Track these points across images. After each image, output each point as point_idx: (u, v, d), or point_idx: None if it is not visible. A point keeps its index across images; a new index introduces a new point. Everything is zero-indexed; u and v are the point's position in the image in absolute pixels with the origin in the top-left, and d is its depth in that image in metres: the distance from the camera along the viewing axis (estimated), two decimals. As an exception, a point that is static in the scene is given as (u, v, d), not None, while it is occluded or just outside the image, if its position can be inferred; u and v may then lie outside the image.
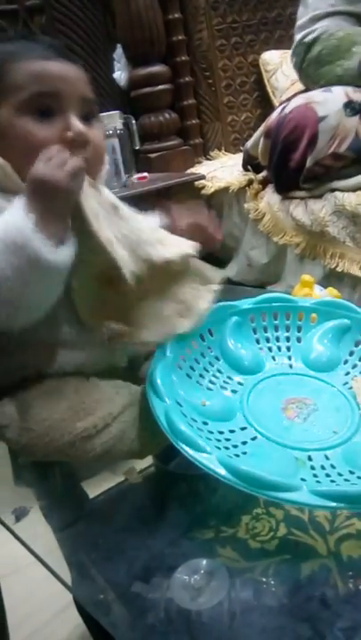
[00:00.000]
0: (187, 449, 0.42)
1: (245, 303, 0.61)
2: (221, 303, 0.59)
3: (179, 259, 0.53)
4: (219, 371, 0.56)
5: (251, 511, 0.48)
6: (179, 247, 0.54)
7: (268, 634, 0.37)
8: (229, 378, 0.56)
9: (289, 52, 1.84)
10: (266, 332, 0.60)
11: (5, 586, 0.71)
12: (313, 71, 1.35)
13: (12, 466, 0.57)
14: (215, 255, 1.74)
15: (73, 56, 0.54)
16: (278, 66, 1.84)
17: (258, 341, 0.60)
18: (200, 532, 0.47)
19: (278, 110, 1.35)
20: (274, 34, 1.92)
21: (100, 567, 0.45)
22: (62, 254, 0.45)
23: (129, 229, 0.52)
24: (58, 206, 0.46)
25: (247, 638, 0.37)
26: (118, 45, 1.68)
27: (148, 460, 0.55)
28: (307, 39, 1.34)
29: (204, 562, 0.42)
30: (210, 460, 0.41)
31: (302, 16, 1.38)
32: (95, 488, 0.56)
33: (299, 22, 1.39)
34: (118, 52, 1.68)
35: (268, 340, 0.60)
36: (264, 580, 0.41)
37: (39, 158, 0.46)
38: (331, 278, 1.25)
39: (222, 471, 0.40)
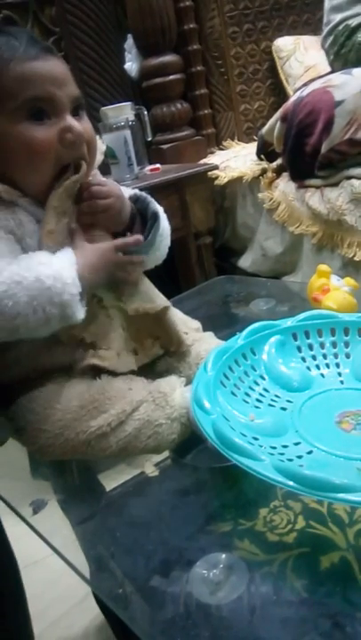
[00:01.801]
0: (240, 458, 0.42)
1: (287, 321, 0.61)
2: (262, 322, 0.59)
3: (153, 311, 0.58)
4: (265, 389, 0.56)
5: (268, 504, 0.47)
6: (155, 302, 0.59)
7: (289, 628, 0.37)
8: (277, 396, 0.55)
9: (303, 38, 1.83)
10: (312, 349, 0.59)
11: (25, 577, 0.72)
12: (355, 57, 1.30)
13: (30, 459, 0.58)
14: (229, 246, 1.73)
15: (49, 44, 0.54)
16: (292, 52, 1.81)
17: (304, 359, 0.59)
18: (218, 526, 0.47)
19: (296, 94, 1.33)
20: (287, 19, 1.89)
21: (119, 560, 0.45)
22: (83, 311, 0.50)
23: None
24: (103, 280, 0.54)
25: (268, 633, 0.37)
26: (129, 36, 1.66)
27: (165, 453, 0.55)
28: (351, 22, 1.28)
29: (223, 556, 0.42)
30: (265, 467, 0.41)
31: None
32: (111, 481, 0.56)
33: (334, 2, 1.33)
34: (129, 43, 1.67)
35: (314, 358, 0.59)
36: (283, 573, 0.41)
37: (117, 245, 0.54)
38: (348, 268, 1.23)
39: (281, 478, 0.40)
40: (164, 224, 0.62)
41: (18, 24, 1.57)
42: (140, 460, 0.54)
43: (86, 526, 0.51)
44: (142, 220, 0.60)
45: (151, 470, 0.53)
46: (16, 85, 0.49)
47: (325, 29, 1.37)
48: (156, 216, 0.60)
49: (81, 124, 0.52)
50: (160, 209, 0.62)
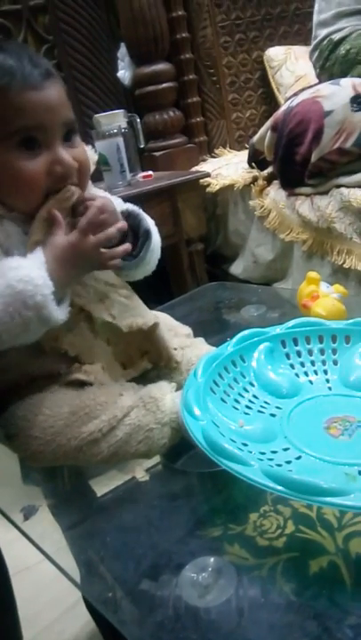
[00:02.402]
0: (229, 464, 0.42)
1: (276, 329, 0.61)
2: (251, 330, 0.60)
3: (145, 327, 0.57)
4: (255, 396, 0.56)
5: (258, 509, 0.48)
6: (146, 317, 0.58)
7: (277, 631, 0.37)
8: (267, 403, 0.56)
9: (294, 48, 1.85)
10: (300, 356, 0.60)
11: (16, 583, 0.72)
12: (338, 70, 1.33)
13: (21, 465, 0.58)
14: (220, 252, 1.74)
15: (48, 64, 0.52)
16: (283, 62, 1.83)
17: (292, 366, 0.60)
18: (208, 530, 0.47)
19: (286, 104, 1.34)
20: (278, 30, 1.91)
21: (109, 565, 0.46)
22: (64, 312, 0.49)
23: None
24: (79, 275, 0.52)
25: (256, 636, 0.37)
26: (122, 44, 1.67)
27: (156, 458, 0.55)
28: (334, 36, 1.32)
29: (212, 559, 0.42)
30: (254, 472, 0.41)
31: (324, 11, 1.36)
32: (102, 487, 0.56)
33: (320, 17, 1.37)
34: (122, 51, 1.68)
35: (303, 365, 0.60)
36: (272, 577, 0.41)
37: (81, 228, 0.50)
38: (338, 275, 1.25)
39: (270, 483, 0.40)
40: (155, 238, 0.62)
41: (11, 32, 1.58)
42: (132, 465, 0.55)
43: (76, 531, 0.51)
44: (133, 234, 0.60)
45: (142, 475, 0.53)
46: (10, 114, 0.49)
47: (312, 44, 1.40)
48: (147, 234, 0.60)
49: (72, 150, 0.52)
50: (152, 223, 0.62)
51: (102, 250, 0.52)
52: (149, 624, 0.39)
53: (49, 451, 0.51)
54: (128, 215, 0.60)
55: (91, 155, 0.58)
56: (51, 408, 0.51)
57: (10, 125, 0.49)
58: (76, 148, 0.54)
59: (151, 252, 0.61)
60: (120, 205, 0.61)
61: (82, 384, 0.54)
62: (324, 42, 1.35)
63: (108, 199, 0.56)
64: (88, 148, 0.57)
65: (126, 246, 0.55)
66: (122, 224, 0.54)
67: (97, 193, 0.60)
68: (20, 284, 0.46)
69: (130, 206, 0.62)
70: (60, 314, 0.49)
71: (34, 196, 0.51)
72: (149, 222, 0.62)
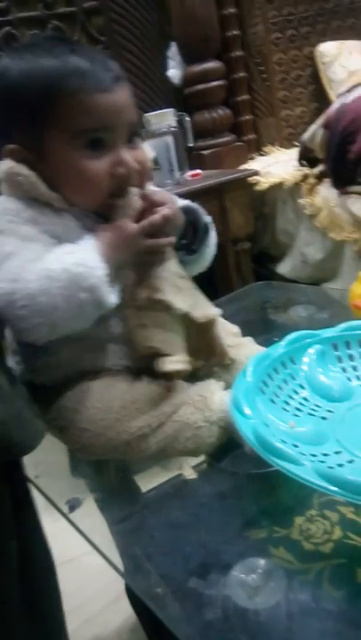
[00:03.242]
0: (281, 463, 0.42)
1: (327, 332, 0.60)
2: (302, 331, 0.59)
3: (177, 307, 0.55)
4: (305, 399, 0.56)
5: (304, 513, 0.47)
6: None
7: (328, 638, 0.37)
8: (317, 406, 0.55)
9: (347, 43, 1.81)
10: (352, 360, 0.59)
11: (60, 574, 0.73)
12: None
13: (70, 458, 0.59)
14: (267, 252, 1.72)
15: (118, 67, 0.54)
16: (335, 57, 1.79)
17: (344, 369, 0.59)
18: (252, 532, 0.47)
19: (339, 100, 1.32)
20: (331, 25, 1.87)
21: (157, 561, 0.46)
22: (115, 296, 0.50)
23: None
24: (126, 258, 0.52)
25: (305, 641, 0.37)
26: (173, 43, 1.68)
27: (200, 457, 0.55)
28: None
29: (262, 561, 0.42)
30: (307, 472, 0.41)
31: None
32: (145, 483, 0.57)
33: None
34: (172, 50, 1.69)
35: (355, 369, 0.59)
36: (319, 583, 0.40)
37: (125, 213, 0.52)
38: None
39: (323, 483, 0.39)
40: (212, 234, 0.62)
41: (65, 34, 1.62)
42: (175, 463, 0.55)
43: (124, 525, 0.52)
44: (193, 229, 0.60)
45: (189, 473, 0.53)
46: (80, 115, 0.50)
47: None
48: (207, 228, 0.61)
49: (134, 153, 0.54)
50: (210, 220, 0.62)
51: (148, 239, 0.53)
52: (198, 622, 0.39)
53: (99, 444, 0.52)
54: (187, 211, 0.60)
55: (149, 153, 0.59)
56: (102, 401, 0.52)
57: (79, 126, 0.51)
58: (138, 150, 0.55)
59: (209, 248, 0.62)
60: (178, 202, 0.61)
61: (133, 377, 0.55)
62: None
63: (168, 194, 0.57)
64: (145, 146, 0.58)
65: (171, 239, 0.55)
66: (167, 211, 0.54)
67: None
68: (76, 267, 0.48)
69: (189, 202, 0.62)
70: (112, 296, 0.50)
71: (97, 196, 0.53)
72: (209, 219, 0.62)
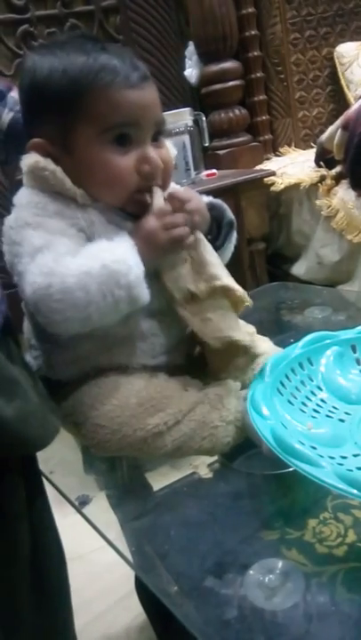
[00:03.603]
0: (300, 464, 0.42)
1: (346, 333, 0.60)
2: (320, 332, 0.59)
3: (236, 288, 0.56)
4: (322, 400, 0.55)
5: (318, 515, 0.46)
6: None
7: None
8: (335, 407, 0.55)
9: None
10: None
11: (69, 570, 0.73)
12: None
13: (83, 454, 0.59)
14: (282, 252, 1.71)
15: (145, 68, 0.54)
16: (354, 58, 1.78)
17: None
18: (264, 533, 0.46)
19: (359, 102, 1.31)
20: (350, 25, 1.86)
21: (174, 559, 0.46)
22: (148, 293, 0.50)
23: (196, 251, 0.56)
24: (156, 257, 0.53)
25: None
26: (190, 43, 1.68)
27: (213, 457, 0.55)
28: None
29: (280, 562, 0.41)
30: (326, 474, 0.40)
31: None
32: (155, 482, 0.57)
33: None
34: (190, 50, 1.69)
35: None
36: (333, 586, 0.40)
37: (151, 212, 0.52)
38: None
39: (343, 485, 0.39)
40: (234, 233, 0.63)
41: (99, 39, 1.62)
42: (185, 463, 0.55)
43: (139, 523, 0.52)
44: (217, 226, 0.60)
45: (205, 472, 0.53)
46: (110, 110, 0.51)
47: None
48: (232, 224, 0.61)
49: (159, 151, 0.54)
50: (233, 218, 0.62)
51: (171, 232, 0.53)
52: (215, 621, 0.39)
53: (115, 440, 0.52)
54: (212, 207, 0.60)
55: (172, 150, 0.59)
56: (118, 398, 0.52)
57: (108, 121, 0.51)
58: (163, 148, 0.55)
59: (231, 244, 0.62)
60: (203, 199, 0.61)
61: (149, 375, 0.55)
62: None
63: (194, 192, 0.57)
64: (167, 142, 0.58)
65: (186, 230, 0.54)
66: (193, 206, 0.54)
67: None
68: (115, 265, 0.48)
69: (213, 199, 0.62)
70: (147, 294, 0.50)
71: (122, 191, 0.53)
72: (232, 216, 0.62)
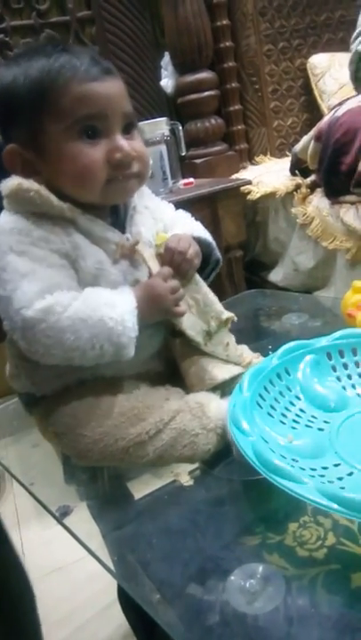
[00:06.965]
0: (283, 482, 0.42)
1: (321, 341, 0.60)
2: (295, 342, 0.59)
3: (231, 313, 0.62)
4: (301, 410, 0.56)
5: (298, 519, 0.47)
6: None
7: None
8: (314, 417, 0.55)
9: (338, 55, 1.84)
10: (347, 368, 0.59)
11: (49, 583, 0.73)
12: None
13: (64, 465, 0.59)
14: (259, 260, 1.73)
15: (109, 64, 0.55)
16: (326, 69, 1.82)
17: (339, 379, 0.59)
18: (245, 538, 0.47)
19: (330, 113, 1.34)
20: (322, 37, 1.90)
21: (154, 567, 0.46)
22: (134, 351, 0.52)
23: (200, 293, 0.60)
24: (158, 318, 0.55)
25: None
26: (166, 53, 1.70)
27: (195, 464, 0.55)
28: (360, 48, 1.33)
29: (260, 567, 0.42)
30: (308, 490, 0.41)
31: (359, 25, 1.37)
32: (136, 491, 0.57)
33: (356, 31, 1.38)
34: (165, 60, 1.70)
35: (350, 377, 0.59)
36: (313, 589, 0.41)
37: (158, 274, 0.55)
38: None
39: (325, 501, 0.39)
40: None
41: (60, 43, 1.63)
42: (167, 471, 0.55)
43: (120, 533, 0.52)
44: (203, 259, 0.62)
45: (186, 480, 0.54)
46: (73, 104, 0.50)
47: (350, 56, 1.41)
48: (218, 263, 0.64)
49: (131, 142, 0.54)
50: (208, 234, 0.64)
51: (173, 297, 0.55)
52: (197, 628, 0.39)
53: (97, 450, 0.52)
54: (201, 243, 0.61)
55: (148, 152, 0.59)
56: (101, 408, 0.53)
57: (72, 115, 0.51)
58: (136, 140, 0.55)
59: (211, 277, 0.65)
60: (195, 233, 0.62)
61: (132, 385, 0.55)
62: (355, 54, 1.36)
63: (188, 237, 0.59)
64: (147, 153, 0.58)
65: (181, 293, 0.57)
66: (195, 262, 0.59)
67: (150, 199, 0.62)
68: (111, 322, 0.49)
69: (202, 234, 0.63)
70: (132, 352, 0.52)
71: (94, 184, 0.52)
72: (219, 254, 0.65)
